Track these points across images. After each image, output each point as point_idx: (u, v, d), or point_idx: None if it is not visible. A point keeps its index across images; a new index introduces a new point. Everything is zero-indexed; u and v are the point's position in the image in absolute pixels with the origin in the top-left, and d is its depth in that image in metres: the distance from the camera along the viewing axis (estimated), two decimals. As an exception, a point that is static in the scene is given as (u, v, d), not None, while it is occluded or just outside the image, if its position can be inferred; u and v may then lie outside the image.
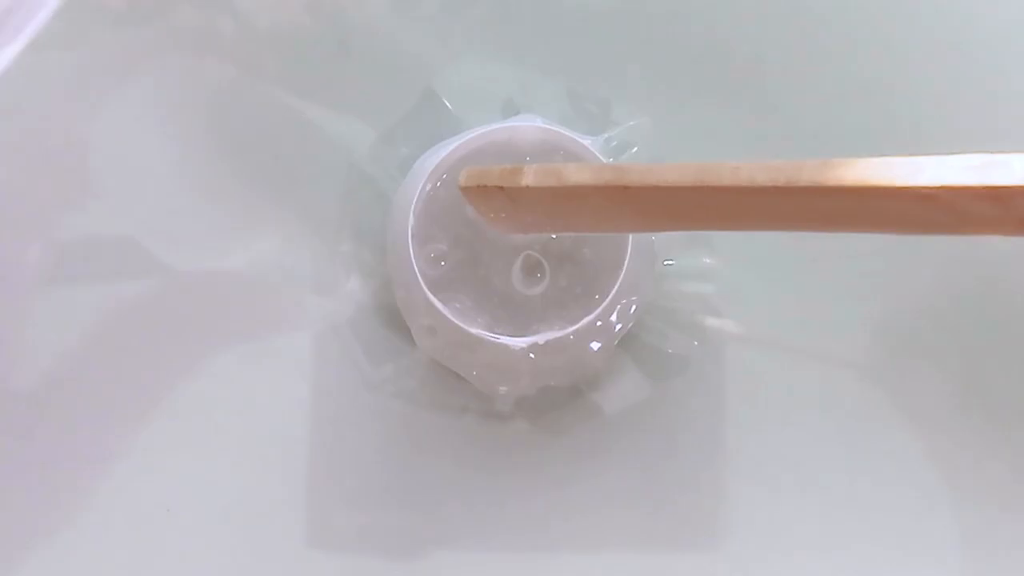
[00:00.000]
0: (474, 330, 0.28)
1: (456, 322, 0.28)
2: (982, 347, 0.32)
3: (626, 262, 0.28)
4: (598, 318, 0.29)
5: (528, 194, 0.23)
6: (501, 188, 0.23)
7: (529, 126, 0.29)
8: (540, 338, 0.28)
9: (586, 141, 0.29)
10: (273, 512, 0.31)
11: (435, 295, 0.28)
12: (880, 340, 0.32)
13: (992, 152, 0.17)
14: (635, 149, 0.31)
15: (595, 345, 0.30)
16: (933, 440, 0.31)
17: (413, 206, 0.29)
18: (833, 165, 0.18)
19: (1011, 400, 0.31)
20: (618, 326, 0.30)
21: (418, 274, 0.28)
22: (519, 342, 0.28)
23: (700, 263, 0.32)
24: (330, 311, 0.32)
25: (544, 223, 0.24)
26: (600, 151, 0.29)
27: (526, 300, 0.30)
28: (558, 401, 0.32)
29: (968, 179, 0.16)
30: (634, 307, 0.30)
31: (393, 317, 0.31)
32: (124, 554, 0.31)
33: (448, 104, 0.32)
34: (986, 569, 0.31)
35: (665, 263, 0.32)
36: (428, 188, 0.29)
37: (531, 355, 0.29)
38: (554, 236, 0.30)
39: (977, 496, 0.31)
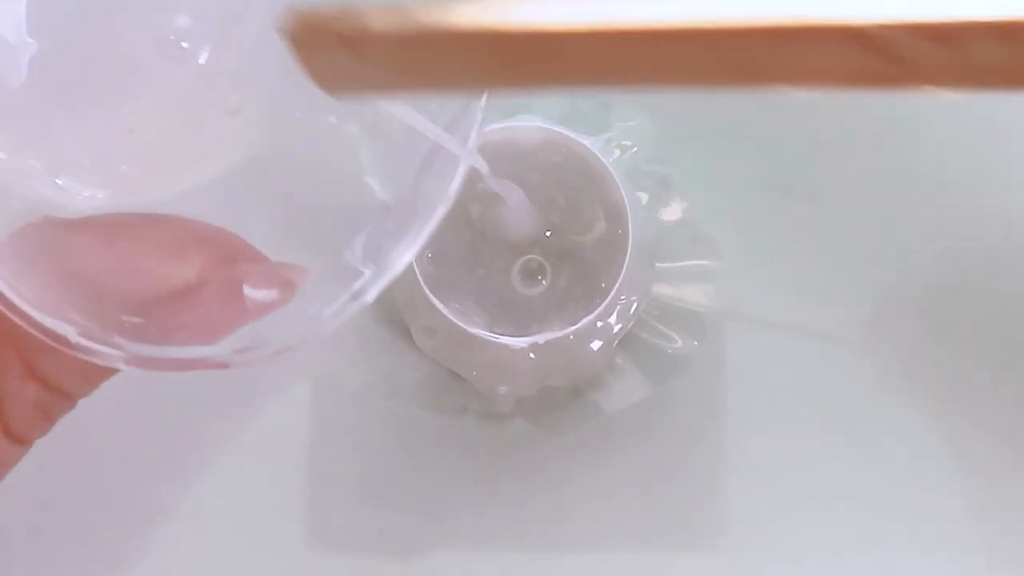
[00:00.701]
0: (474, 330, 0.28)
1: (456, 322, 0.28)
2: (988, 336, 0.32)
3: (626, 262, 0.28)
4: (598, 318, 0.29)
5: (384, 44, 0.17)
6: (340, 36, 0.18)
7: (529, 126, 0.29)
8: (540, 338, 0.28)
9: (586, 141, 0.29)
10: (273, 512, 0.31)
11: (435, 295, 0.28)
12: (885, 338, 0.32)
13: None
14: (635, 149, 0.31)
15: (595, 345, 0.30)
16: (942, 436, 0.31)
17: (413, 206, 0.29)
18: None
19: None
20: (618, 326, 0.30)
21: (418, 274, 0.28)
22: (519, 342, 0.28)
23: (700, 263, 0.32)
24: (330, 311, 0.32)
25: (402, 83, 0.19)
26: (600, 151, 0.29)
27: (526, 300, 0.30)
28: (558, 401, 0.32)
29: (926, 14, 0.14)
30: (634, 307, 0.30)
31: (393, 317, 0.31)
32: (123, 554, 0.31)
33: (448, 104, 0.32)
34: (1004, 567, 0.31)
35: (665, 263, 0.32)
36: (428, 188, 0.29)
37: (531, 355, 0.29)
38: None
39: (994, 492, 0.31)
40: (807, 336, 0.32)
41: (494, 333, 0.28)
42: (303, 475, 0.31)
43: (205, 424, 0.32)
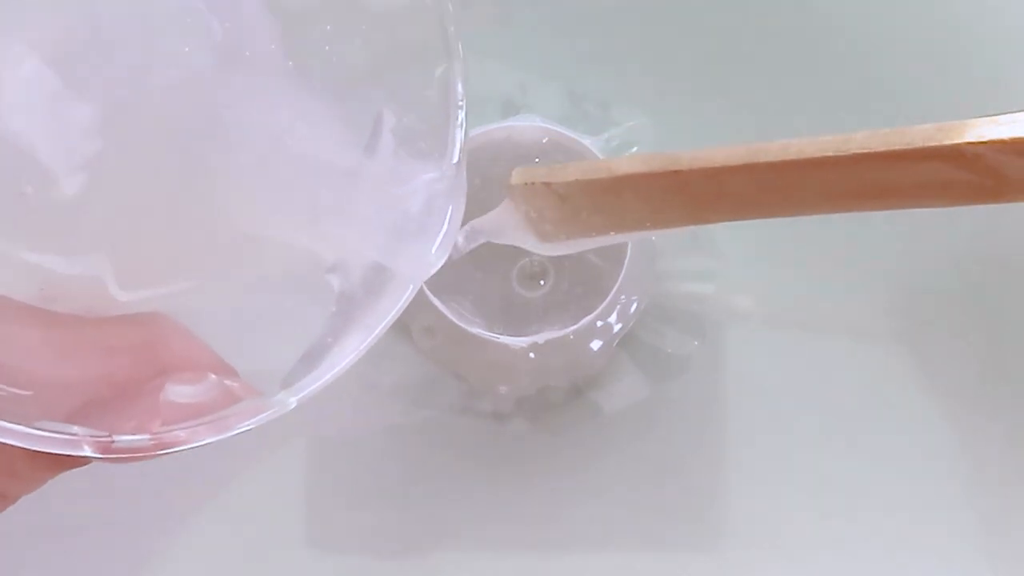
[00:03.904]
0: (474, 330, 0.28)
1: (456, 322, 0.28)
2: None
3: (626, 262, 0.28)
4: (598, 318, 0.29)
5: (577, 189, 0.22)
6: (548, 184, 0.23)
7: (529, 126, 0.29)
8: (540, 338, 0.28)
9: (586, 141, 0.29)
10: (273, 512, 0.31)
11: (435, 295, 0.28)
12: (886, 336, 0.32)
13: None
14: (635, 149, 0.31)
15: (595, 345, 0.30)
16: (944, 435, 0.31)
17: (413, 206, 0.29)
18: (881, 133, 0.19)
19: None
20: (618, 326, 0.30)
21: (418, 274, 0.28)
22: (519, 342, 0.28)
23: (700, 263, 0.32)
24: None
25: (595, 222, 0.24)
26: (600, 151, 0.29)
27: (526, 300, 0.30)
28: (558, 401, 0.32)
29: (1013, 133, 0.17)
30: (634, 307, 0.30)
31: (393, 317, 0.31)
32: (123, 554, 0.31)
33: (448, 104, 0.32)
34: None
35: (665, 263, 0.32)
36: (428, 188, 0.29)
37: (531, 355, 0.29)
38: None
39: (1000, 493, 0.31)
40: (807, 336, 0.32)
41: (494, 333, 0.28)
42: (303, 475, 0.31)
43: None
